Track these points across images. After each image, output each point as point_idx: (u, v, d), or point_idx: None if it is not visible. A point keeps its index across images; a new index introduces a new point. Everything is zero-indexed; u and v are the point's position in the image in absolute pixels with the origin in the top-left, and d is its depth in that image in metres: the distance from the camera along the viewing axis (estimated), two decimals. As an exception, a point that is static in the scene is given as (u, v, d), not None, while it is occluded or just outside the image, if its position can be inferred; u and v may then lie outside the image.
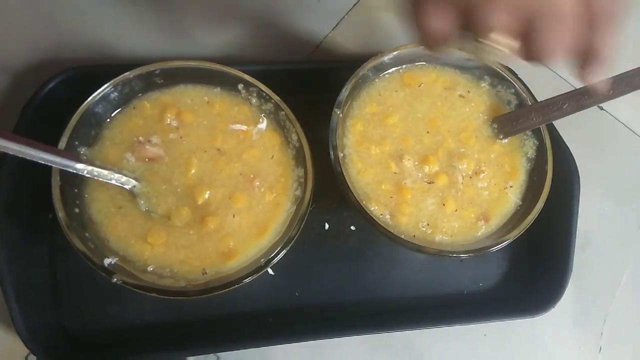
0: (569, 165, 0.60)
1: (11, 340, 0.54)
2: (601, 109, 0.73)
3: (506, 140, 0.56)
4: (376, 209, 0.52)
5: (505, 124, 0.56)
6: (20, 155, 0.40)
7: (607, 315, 0.65)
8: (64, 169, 0.44)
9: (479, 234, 0.54)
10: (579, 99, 0.50)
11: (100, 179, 0.47)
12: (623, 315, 0.65)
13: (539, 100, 0.56)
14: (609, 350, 0.64)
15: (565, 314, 0.64)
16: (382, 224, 0.50)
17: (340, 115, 0.53)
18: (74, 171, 0.45)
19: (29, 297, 0.51)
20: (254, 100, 0.55)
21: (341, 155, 0.52)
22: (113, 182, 0.48)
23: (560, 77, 0.73)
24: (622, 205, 0.69)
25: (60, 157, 0.43)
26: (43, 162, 0.42)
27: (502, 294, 0.62)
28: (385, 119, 0.56)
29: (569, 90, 0.51)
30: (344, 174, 0.51)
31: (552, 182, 0.53)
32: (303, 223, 0.49)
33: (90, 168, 0.46)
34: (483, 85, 0.59)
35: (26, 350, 0.51)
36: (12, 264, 0.50)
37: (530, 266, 0.63)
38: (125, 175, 0.48)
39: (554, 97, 0.52)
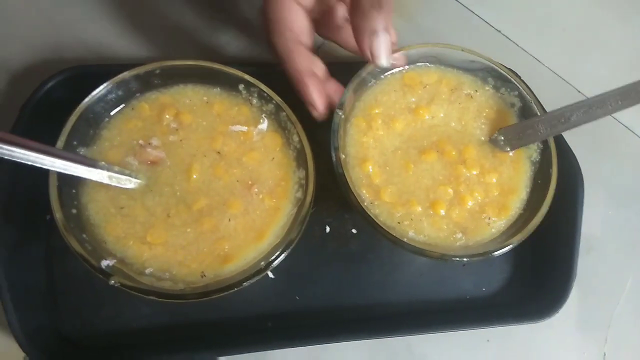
0: (573, 169, 0.60)
1: (7, 343, 0.53)
2: (606, 113, 0.72)
3: (512, 153, 0.55)
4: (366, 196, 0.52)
5: (511, 135, 0.55)
6: (30, 163, 0.39)
7: (612, 321, 0.64)
8: (81, 176, 0.44)
9: (457, 244, 0.52)
10: (587, 110, 0.49)
11: (119, 185, 0.47)
12: (627, 321, 0.64)
13: (541, 103, 0.56)
14: (613, 356, 0.63)
15: (569, 319, 0.63)
16: (382, 226, 0.49)
17: (342, 116, 0.52)
18: (94, 179, 0.45)
19: (26, 300, 0.51)
20: (254, 101, 0.54)
21: (343, 157, 0.51)
22: (128, 186, 0.48)
23: (563, 79, 0.72)
24: (626, 209, 0.68)
25: (79, 164, 0.43)
26: (60, 171, 0.43)
27: (505, 299, 0.61)
28: (390, 121, 0.55)
29: (578, 101, 0.50)
30: (346, 176, 0.50)
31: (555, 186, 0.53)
32: (304, 226, 0.49)
33: (108, 174, 0.46)
34: (487, 88, 0.58)
35: (22, 354, 0.50)
36: (8, 266, 0.50)
37: (534, 271, 0.62)
38: (140, 180, 0.49)
39: (561, 108, 0.51)
